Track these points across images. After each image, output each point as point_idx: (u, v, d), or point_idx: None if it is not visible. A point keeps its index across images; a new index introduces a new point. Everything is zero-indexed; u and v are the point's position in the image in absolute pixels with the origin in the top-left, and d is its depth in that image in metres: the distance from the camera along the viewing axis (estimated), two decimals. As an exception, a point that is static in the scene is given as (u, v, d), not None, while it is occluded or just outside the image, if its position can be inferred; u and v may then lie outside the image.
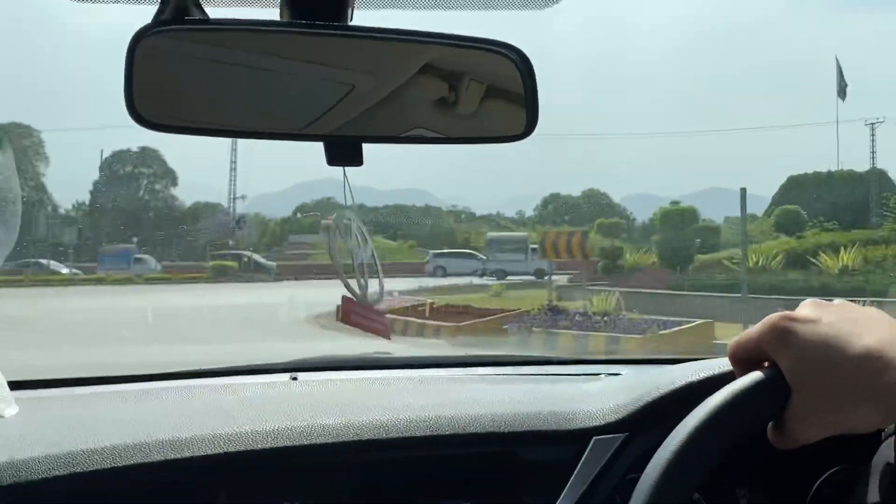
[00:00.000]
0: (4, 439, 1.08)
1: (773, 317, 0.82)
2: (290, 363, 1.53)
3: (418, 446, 1.09)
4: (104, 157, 27.74)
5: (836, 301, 0.85)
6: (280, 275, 20.36)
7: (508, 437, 1.10)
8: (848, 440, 0.87)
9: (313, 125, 0.89)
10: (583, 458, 1.06)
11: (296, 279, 18.93)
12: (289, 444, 1.06)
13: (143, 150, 28.40)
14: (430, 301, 12.47)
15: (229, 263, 20.15)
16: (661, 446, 0.81)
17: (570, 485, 1.03)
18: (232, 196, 25.12)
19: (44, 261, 18.69)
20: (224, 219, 24.85)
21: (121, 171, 29.04)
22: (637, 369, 1.29)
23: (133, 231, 23.67)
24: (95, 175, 27.43)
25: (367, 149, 0.93)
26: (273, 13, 0.90)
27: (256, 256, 21.11)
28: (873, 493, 0.90)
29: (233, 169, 25.35)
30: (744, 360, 0.84)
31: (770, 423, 0.82)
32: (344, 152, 0.92)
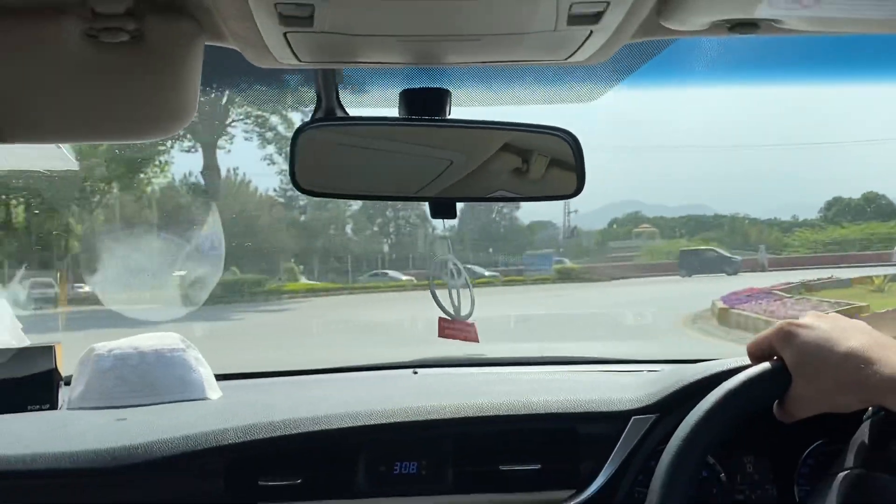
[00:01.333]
0: (215, 413, 1.34)
1: (781, 322, 1.00)
2: (412, 361, 1.73)
3: (503, 423, 1.24)
4: None
5: (831, 314, 1.01)
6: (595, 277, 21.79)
7: (568, 417, 1.24)
8: (833, 419, 1.05)
9: (423, 190, 1.07)
10: (623, 434, 1.20)
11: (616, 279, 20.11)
12: (409, 419, 1.24)
13: None
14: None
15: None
16: (684, 420, 0.98)
17: (614, 454, 1.18)
18: (567, 211, 26.77)
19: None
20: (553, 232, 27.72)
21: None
22: (672, 367, 1.40)
23: (491, 245, 27.19)
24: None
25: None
26: (393, 111, 1.06)
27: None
28: (849, 462, 1.00)
29: (568, 198, 28.72)
30: (757, 355, 1.02)
31: (775, 402, 0.99)
32: (443, 209, 1.10)
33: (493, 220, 31.79)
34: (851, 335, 0.96)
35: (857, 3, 0.78)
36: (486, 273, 21.60)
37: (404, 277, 21.95)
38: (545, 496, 1.19)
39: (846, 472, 1.01)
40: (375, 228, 32.25)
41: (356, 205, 31.07)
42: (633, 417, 1.22)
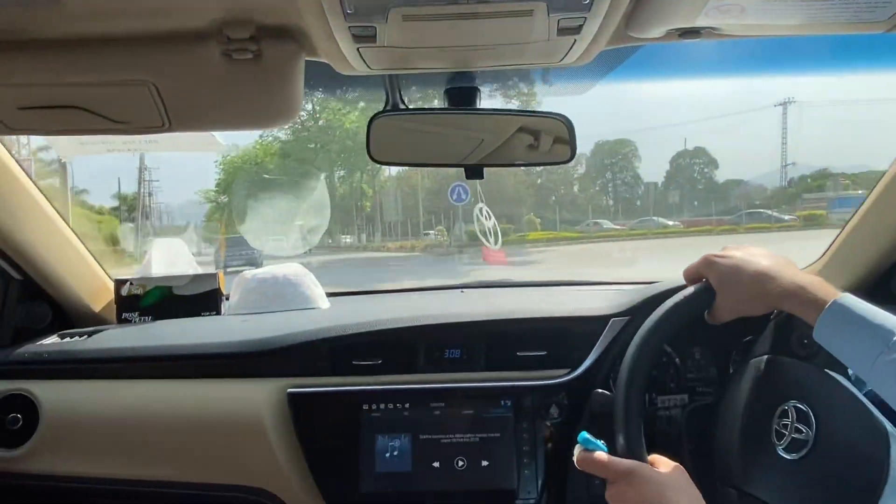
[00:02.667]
0: (324, 317, 1.40)
1: (706, 254, 1.00)
2: (461, 284, 1.75)
3: (520, 323, 1.27)
4: (673, 154, 31.84)
5: (745, 245, 1.00)
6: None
7: (566, 319, 1.26)
8: (755, 321, 1.05)
9: (461, 160, 1.09)
10: (605, 330, 1.21)
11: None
12: (455, 321, 1.27)
13: (696, 148, 31.74)
14: None
15: (819, 212, 19.67)
16: (644, 323, 1.00)
17: (597, 344, 1.20)
18: (783, 164, 25.86)
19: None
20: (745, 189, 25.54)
21: (683, 162, 31.82)
22: (644, 286, 1.38)
23: (697, 199, 26.02)
24: (668, 166, 31.59)
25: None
26: (440, 101, 1.09)
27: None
28: (760, 350, 1.03)
29: (783, 142, 26.58)
30: (690, 278, 1.01)
31: (706, 311, 0.99)
32: (474, 172, 1.11)
33: (695, 178, 30.58)
34: (759, 259, 0.95)
35: (774, 12, 0.75)
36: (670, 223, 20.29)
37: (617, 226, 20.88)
38: (549, 373, 1.22)
39: (757, 357, 1.02)
40: (597, 188, 31.45)
41: (581, 168, 31.13)
42: (612, 319, 1.23)
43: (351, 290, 1.82)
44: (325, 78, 1.10)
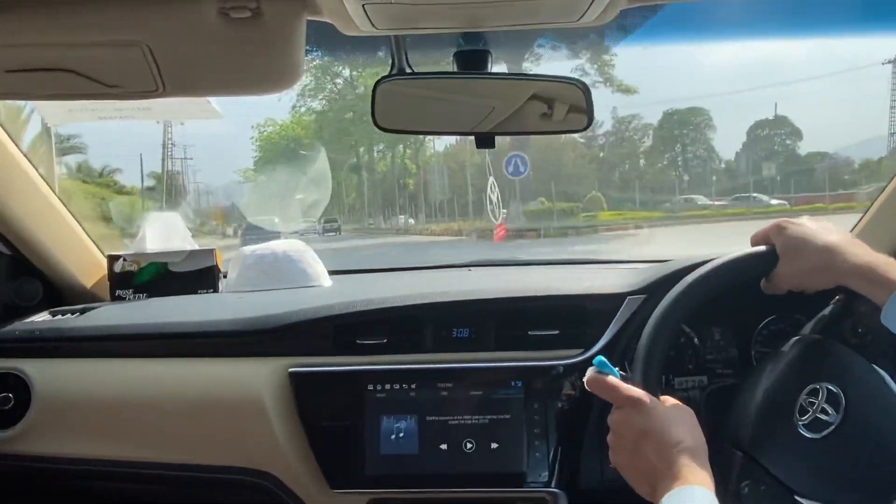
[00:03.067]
0: (327, 294, 1.39)
1: (779, 219, 0.97)
2: (468, 262, 1.72)
3: (531, 301, 1.23)
4: (750, 123, 29.30)
5: (820, 219, 0.96)
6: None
7: (579, 297, 1.22)
8: (782, 300, 1.01)
9: (471, 128, 1.04)
10: (620, 309, 1.17)
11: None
12: (463, 298, 1.24)
13: (777, 117, 29.56)
14: None
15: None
16: (693, 273, 0.96)
17: (612, 323, 1.16)
18: (892, 130, 23.78)
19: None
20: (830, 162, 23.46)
21: (762, 133, 30.07)
22: (646, 265, 1.36)
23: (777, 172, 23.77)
24: (744, 138, 29.19)
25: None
26: (448, 66, 1.03)
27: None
28: (807, 330, 0.99)
29: (893, 109, 24.02)
30: (756, 241, 0.98)
31: (764, 277, 0.97)
32: (484, 141, 1.06)
33: (775, 149, 28.37)
34: (830, 233, 0.92)
35: None
36: (773, 202, 18.23)
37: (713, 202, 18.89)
38: (562, 353, 1.19)
39: (802, 336, 0.98)
40: (665, 161, 29.21)
41: (649, 140, 28.78)
42: (628, 297, 1.19)
43: (353, 269, 1.78)
44: (327, 40, 1.06)
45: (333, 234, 25.59)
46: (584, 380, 0.90)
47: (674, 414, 0.84)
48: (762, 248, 0.96)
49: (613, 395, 0.87)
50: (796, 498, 0.84)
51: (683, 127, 29.56)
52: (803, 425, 0.87)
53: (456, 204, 22.21)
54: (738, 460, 0.91)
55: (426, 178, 23.61)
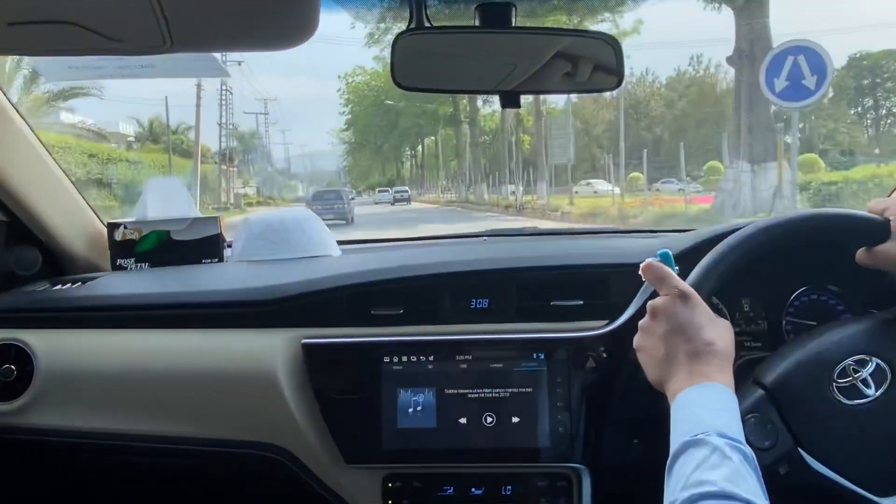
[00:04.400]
0: (337, 264, 1.39)
1: None
2: (484, 231, 1.73)
3: (554, 270, 1.22)
4: None
5: None
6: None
7: (602, 266, 1.22)
8: (815, 271, 0.99)
9: (495, 86, 1.03)
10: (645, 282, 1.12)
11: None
12: (481, 268, 1.24)
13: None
14: None
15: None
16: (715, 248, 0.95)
17: (639, 294, 1.15)
18: None
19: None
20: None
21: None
22: (674, 234, 1.34)
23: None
24: None
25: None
26: (469, 20, 1.00)
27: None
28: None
29: None
30: (874, 210, 0.96)
31: (863, 248, 0.95)
32: (510, 100, 1.04)
33: None
34: None
35: None
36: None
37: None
38: (586, 325, 1.18)
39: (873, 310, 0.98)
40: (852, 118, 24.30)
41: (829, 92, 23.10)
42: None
43: (363, 239, 1.77)
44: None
45: (405, 203, 25.44)
46: (641, 265, 0.91)
47: (715, 319, 0.86)
48: (877, 216, 0.94)
49: (665, 282, 0.88)
50: (800, 451, 0.86)
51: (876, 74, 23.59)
52: (838, 388, 0.88)
53: (577, 172, 19.10)
54: (754, 394, 0.92)
55: (548, 134, 19.12)
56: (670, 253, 0.91)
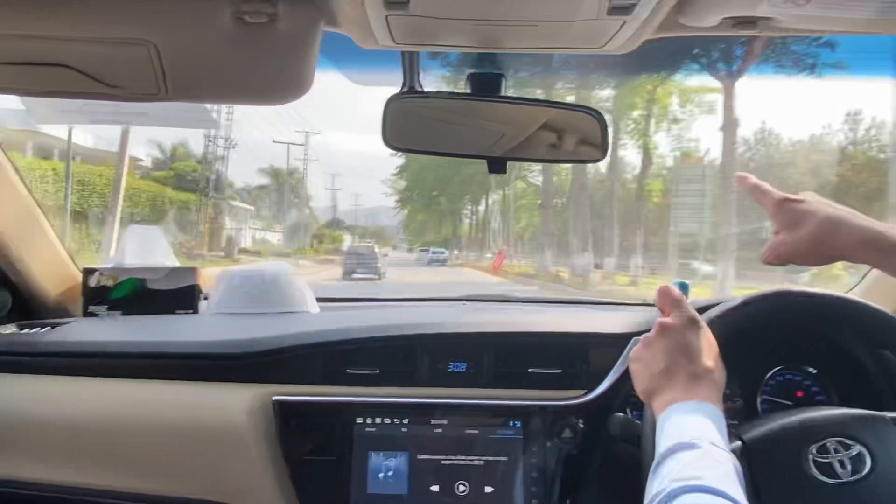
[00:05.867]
0: (316, 321, 1.40)
1: (778, 196, 0.96)
2: (464, 296, 1.72)
3: (533, 337, 1.24)
4: None
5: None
6: None
7: (584, 335, 1.23)
8: (789, 353, 1.00)
9: (481, 151, 1.07)
10: (626, 350, 1.16)
11: None
12: (460, 331, 1.25)
13: None
14: None
15: None
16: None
17: (617, 365, 1.17)
18: None
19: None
20: None
21: None
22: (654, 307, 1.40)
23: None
24: None
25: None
26: (461, 87, 1.05)
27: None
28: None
29: None
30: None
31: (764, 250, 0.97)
32: (497, 167, 1.07)
33: None
34: (831, 206, 0.93)
35: (847, 3, 0.73)
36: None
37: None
38: (563, 393, 1.19)
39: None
40: None
41: None
42: (633, 338, 1.18)
43: (342, 297, 1.77)
44: (335, 53, 1.07)
45: (439, 264, 24.82)
46: (659, 288, 0.93)
47: (717, 352, 0.88)
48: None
49: (678, 305, 0.90)
50: None
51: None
52: (815, 462, 0.89)
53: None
54: (731, 444, 0.90)
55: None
56: (688, 284, 0.94)
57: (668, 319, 0.89)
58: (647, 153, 17.01)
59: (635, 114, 16.39)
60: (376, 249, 19.77)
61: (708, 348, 0.87)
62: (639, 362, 0.90)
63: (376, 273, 16.51)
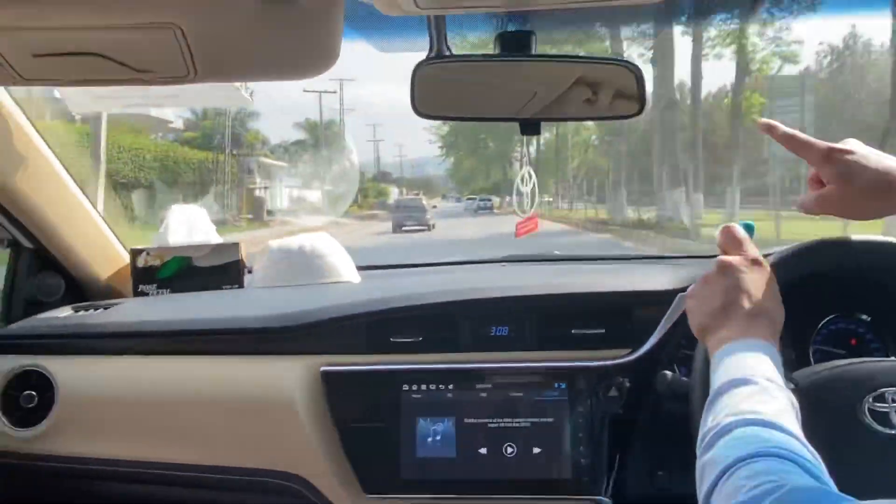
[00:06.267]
0: (358, 291, 1.42)
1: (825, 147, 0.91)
2: (504, 257, 1.72)
3: (574, 299, 1.24)
4: None
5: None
6: None
7: (627, 294, 1.23)
8: (845, 300, 0.97)
9: (514, 113, 1.05)
10: (671, 307, 1.15)
11: None
12: (501, 295, 1.25)
13: None
14: None
15: None
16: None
17: (662, 322, 1.15)
18: None
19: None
20: None
21: None
22: (699, 260, 1.38)
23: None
24: None
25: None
26: (490, 50, 1.02)
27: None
28: None
29: None
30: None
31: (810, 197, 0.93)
32: (530, 128, 1.06)
33: None
34: (886, 157, 0.89)
35: None
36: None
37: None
38: (608, 353, 1.18)
39: None
40: None
41: None
42: (679, 294, 1.17)
43: (382, 264, 1.79)
44: (360, 22, 1.06)
45: (487, 212, 24.70)
46: (721, 226, 0.91)
47: (777, 292, 0.86)
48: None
49: (742, 245, 0.88)
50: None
51: None
52: (870, 410, 0.86)
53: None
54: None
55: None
56: (754, 225, 0.92)
57: (729, 258, 0.87)
58: (742, 55, 14.45)
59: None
60: (424, 201, 19.82)
61: (768, 288, 0.85)
62: (695, 299, 0.88)
63: (425, 225, 16.70)
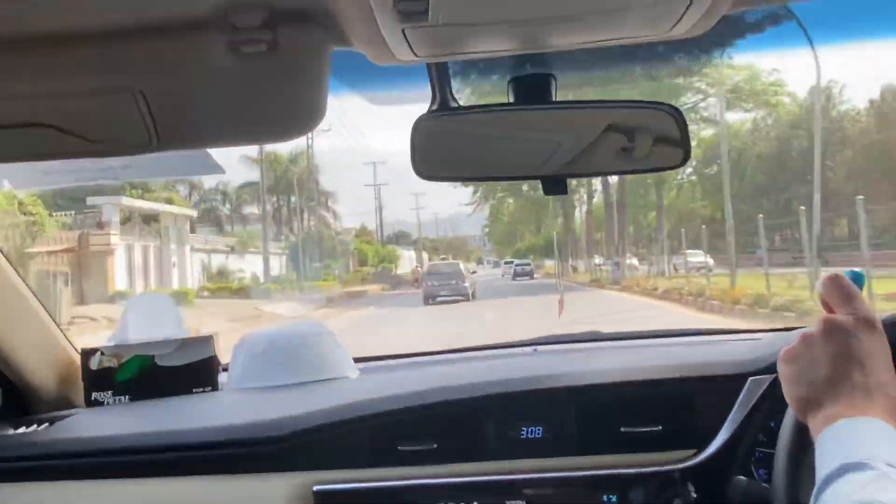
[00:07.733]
0: (355, 389, 1.40)
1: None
2: (531, 340, 1.71)
3: (622, 388, 1.23)
4: None
5: None
6: None
7: (685, 381, 1.22)
8: None
9: (534, 170, 1.08)
10: (741, 395, 1.15)
11: None
12: (532, 387, 1.25)
13: None
14: None
15: None
16: None
17: (732, 414, 1.15)
18: None
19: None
20: None
21: None
22: (774, 335, 1.35)
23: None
24: None
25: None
26: (502, 98, 1.05)
27: None
28: None
29: None
30: None
31: None
32: (555, 187, 1.07)
33: None
34: None
35: None
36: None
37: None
38: (667, 456, 1.17)
39: None
40: None
41: None
42: (750, 378, 1.17)
43: (385, 354, 1.79)
44: (352, 72, 1.10)
45: (527, 277, 25.24)
46: (826, 277, 0.88)
47: (891, 364, 0.84)
48: None
49: (852, 301, 0.86)
50: None
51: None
52: None
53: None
54: None
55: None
56: (864, 274, 0.90)
57: (836, 317, 0.85)
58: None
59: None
60: (461, 266, 19.67)
61: (885, 358, 0.84)
62: (794, 364, 0.86)
63: (464, 294, 16.49)
